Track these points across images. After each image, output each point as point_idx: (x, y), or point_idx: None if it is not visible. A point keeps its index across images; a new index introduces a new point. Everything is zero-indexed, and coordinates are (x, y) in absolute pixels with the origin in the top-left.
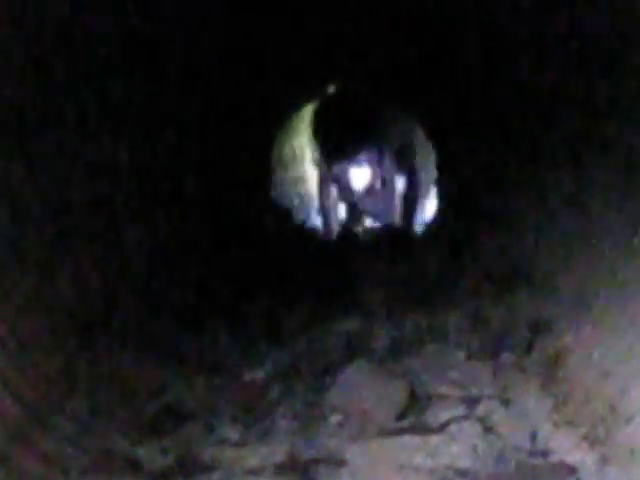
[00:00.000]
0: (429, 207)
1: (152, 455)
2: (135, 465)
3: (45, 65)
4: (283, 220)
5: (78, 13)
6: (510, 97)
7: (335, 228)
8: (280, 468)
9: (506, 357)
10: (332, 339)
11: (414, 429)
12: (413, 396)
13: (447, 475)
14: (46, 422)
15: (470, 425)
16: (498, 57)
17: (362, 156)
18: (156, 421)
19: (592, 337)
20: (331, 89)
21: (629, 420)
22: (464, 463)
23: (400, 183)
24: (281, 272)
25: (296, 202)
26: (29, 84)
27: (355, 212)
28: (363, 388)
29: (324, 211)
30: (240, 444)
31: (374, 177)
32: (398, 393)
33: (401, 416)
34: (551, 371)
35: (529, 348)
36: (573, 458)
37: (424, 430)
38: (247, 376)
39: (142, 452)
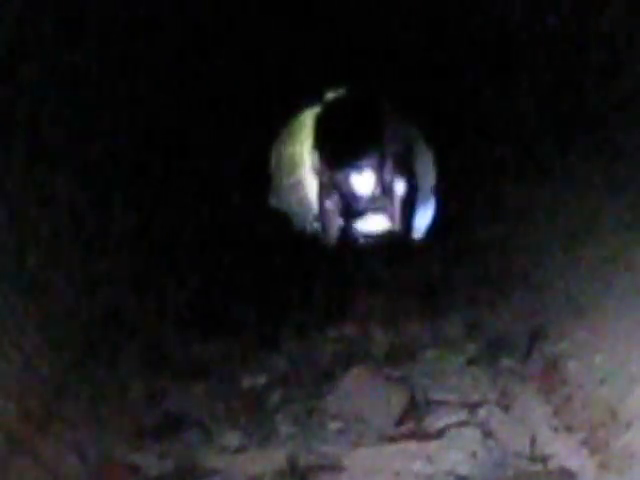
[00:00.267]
0: (428, 213)
1: (152, 462)
2: (135, 471)
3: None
4: (282, 226)
5: None
6: (509, 104)
7: (334, 233)
8: (279, 474)
9: (505, 363)
10: (331, 345)
11: (413, 435)
12: (412, 402)
13: None
14: (46, 429)
15: (469, 431)
16: (500, 65)
17: (363, 162)
18: (155, 428)
19: (591, 342)
20: (330, 95)
21: (628, 425)
22: (463, 469)
23: (399, 188)
24: (280, 278)
25: (295, 207)
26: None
27: (354, 217)
28: (362, 394)
29: (323, 216)
30: (239, 450)
31: (374, 183)
32: (397, 399)
33: (400, 422)
34: (550, 376)
35: (528, 353)
36: (572, 463)
37: (423, 436)
38: (246, 382)
39: (142, 459)
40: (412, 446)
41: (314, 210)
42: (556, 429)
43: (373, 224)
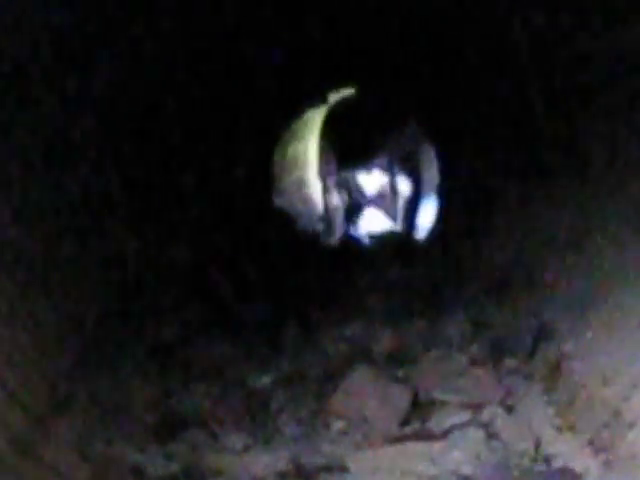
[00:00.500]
0: (432, 213)
1: (156, 462)
2: (138, 472)
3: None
4: (286, 225)
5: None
6: (514, 104)
7: (338, 233)
8: (284, 475)
9: (509, 363)
10: (335, 345)
11: (417, 436)
12: (416, 402)
13: None
14: (49, 429)
15: (473, 431)
16: (504, 65)
17: (368, 162)
18: (159, 428)
19: (595, 343)
20: (335, 94)
21: (632, 425)
22: (467, 469)
23: (404, 188)
24: (284, 278)
25: (299, 207)
26: None
27: (359, 217)
28: (366, 394)
29: (327, 216)
30: (244, 451)
31: (380, 183)
32: (401, 399)
33: (404, 423)
34: (554, 377)
35: (532, 354)
36: (576, 464)
37: (427, 436)
38: (250, 383)
39: (145, 459)
40: (416, 446)
41: (318, 210)
42: (560, 429)
43: (377, 224)
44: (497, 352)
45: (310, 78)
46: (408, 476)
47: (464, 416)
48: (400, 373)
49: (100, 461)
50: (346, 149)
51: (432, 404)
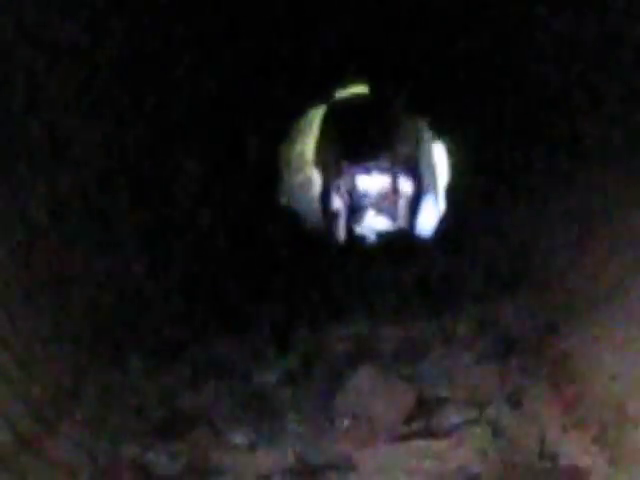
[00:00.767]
0: (437, 211)
1: (161, 460)
2: (144, 470)
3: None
4: (291, 224)
5: None
6: (521, 104)
7: (342, 232)
8: (289, 473)
9: (514, 360)
10: (340, 343)
11: (423, 433)
12: (421, 400)
13: (456, 479)
14: (55, 427)
15: (479, 429)
16: (512, 63)
17: (372, 161)
18: (165, 426)
19: (601, 339)
20: (340, 93)
21: (638, 423)
22: (473, 467)
23: (406, 187)
24: (288, 276)
25: (304, 206)
26: None
27: (362, 216)
28: (371, 392)
29: (331, 215)
30: (249, 449)
31: (382, 182)
32: (406, 397)
33: (409, 420)
34: (560, 374)
35: (538, 351)
36: (583, 461)
37: (433, 434)
38: (256, 381)
39: (151, 457)
40: (422, 444)
41: (323, 209)
42: (566, 427)
43: (381, 222)
44: (503, 349)
45: (316, 77)
46: (414, 474)
47: (470, 414)
48: (405, 371)
49: (105, 458)
50: (350, 148)
51: (438, 402)
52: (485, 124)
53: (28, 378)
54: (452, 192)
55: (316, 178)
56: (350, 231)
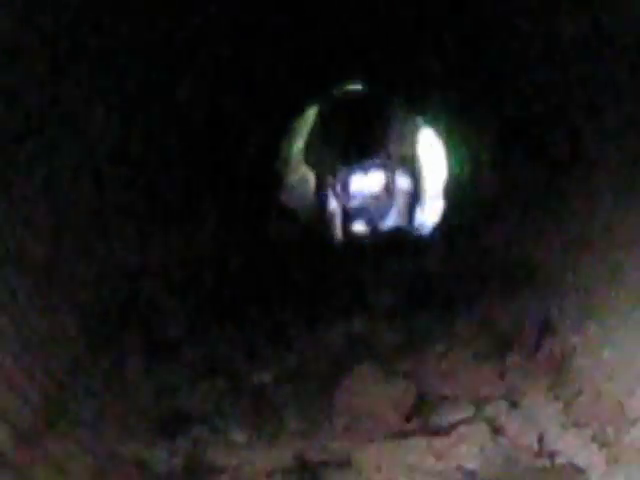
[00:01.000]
0: (436, 209)
1: (160, 458)
2: (143, 468)
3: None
4: (289, 222)
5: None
6: (520, 99)
7: (340, 230)
8: (288, 470)
9: (513, 358)
10: (338, 341)
11: (422, 431)
12: (420, 398)
13: (455, 477)
14: (54, 425)
15: (478, 427)
16: (513, 60)
17: (368, 159)
18: (164, 424)
19: (599, 338)
20: (338, 90)
21: (636, 421)
22: (472, 464)
23: (404, 186)
24: (287, 274)
25: (304, 204)
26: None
27: (359, 215)
28: (370, 390)
29: (329, 214)
30: (248, 447)
31: (379, 180)
32: (405, 395)
33: (409, 418)
34: (558, 372)
35: (536, 349)
36: (581, 459)
37: (432, 432)
38: (255, 379)
39: (150, 455)
40: (421, 442)
41: (322, 207)
42: (565, 425)
43: (377, 221)
44: (501, 347)
45: (314, 74)
46: (413, 471)
47: (469, 411)
48: (405, 368)
49: (105, 456)
50: (345, 147)
51: (437, 399)
52: (485, 123)
53: (27, 377)
54: (450, 191)
55: (314, 176)
56: (346, 230)
